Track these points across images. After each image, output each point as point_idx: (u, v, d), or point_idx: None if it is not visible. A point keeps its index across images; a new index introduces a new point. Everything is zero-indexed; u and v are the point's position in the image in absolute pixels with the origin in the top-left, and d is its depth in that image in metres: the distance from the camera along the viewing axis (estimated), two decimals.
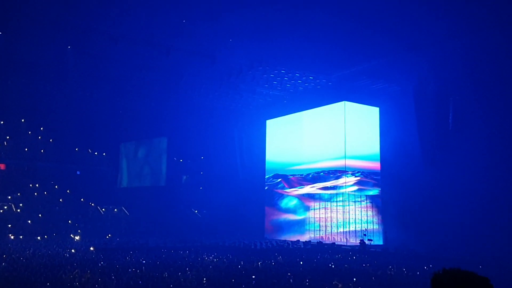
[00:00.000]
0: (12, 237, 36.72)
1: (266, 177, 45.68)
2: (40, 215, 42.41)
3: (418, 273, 20.19)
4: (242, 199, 44.89)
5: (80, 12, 28.80)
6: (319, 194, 39.56)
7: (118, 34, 30.75)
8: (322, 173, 39.50)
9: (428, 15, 26.70)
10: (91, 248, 29.02)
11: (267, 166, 45.73)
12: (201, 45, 32.61)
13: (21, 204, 42.69)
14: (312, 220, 39.71)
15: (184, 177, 52.63)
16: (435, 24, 27.48)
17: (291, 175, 43.37)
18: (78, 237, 38.22)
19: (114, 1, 27.58)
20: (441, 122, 31.67)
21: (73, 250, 27.84)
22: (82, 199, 46.65)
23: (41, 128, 46.98)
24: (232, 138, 48.54)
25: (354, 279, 17.51)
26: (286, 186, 43.69)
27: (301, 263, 23.85)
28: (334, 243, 35.30)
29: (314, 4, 27.10)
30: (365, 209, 37.25)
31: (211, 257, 25.53)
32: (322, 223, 38.56)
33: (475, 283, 2.29)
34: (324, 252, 30.20)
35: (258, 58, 33.77)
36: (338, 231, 37.10)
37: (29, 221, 41.23)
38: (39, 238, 35.95)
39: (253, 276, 18.34)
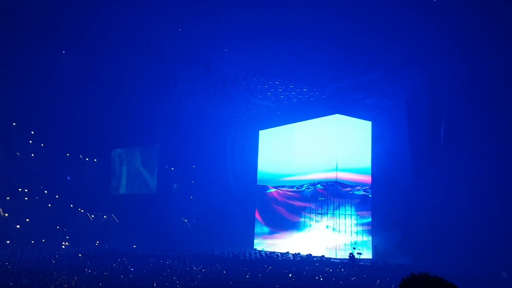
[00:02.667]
0: None
1: None
2: (27, 219, 42.03)
3: None
4: (232, 209, 44.71)
5: (75, 17, 28.78)
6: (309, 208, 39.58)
7: (113, 40, 30.75)
8: (319, 184, 39.18)
9: (421, 31, 26.91)
10: (79, 255, 28.79)
11: (258, 176, 45.66)
12: (196, 53, 32.67)
13: (6, 214, 42.20)
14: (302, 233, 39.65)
15: (175, 185, 52.39)
16: (427, 39, 27.71)
17: (274, 188, 43.45)
18: (66, 243, 37.91)
19: (109, 7, 27.56)
20: (433, 137, 31.79)
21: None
22: (71, 205, 46.29)
23: (32, 132, 46.68)
24: (225, 148, 48.42)
25: None
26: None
27: (290, 275, 23.74)
28: (323, 256, 35.17)
29: (310, 17, 27.24)
30: (355, 222, 37.21)
31: (199, 267, 25.37)
32: (312, 236, 38.46)
33: None
34: (313, 264, 30.12)
35: (253, 68, 33.82)
36: (327, 243, 36.99)
37: (18, 226, 40.85)
38: (30, 242, 35.61)
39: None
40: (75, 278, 17.70)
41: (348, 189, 37.93)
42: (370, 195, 38.01)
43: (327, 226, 37.38)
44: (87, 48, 31.85)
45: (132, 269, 22.81)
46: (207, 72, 33.20)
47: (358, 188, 38.22)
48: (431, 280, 2.30)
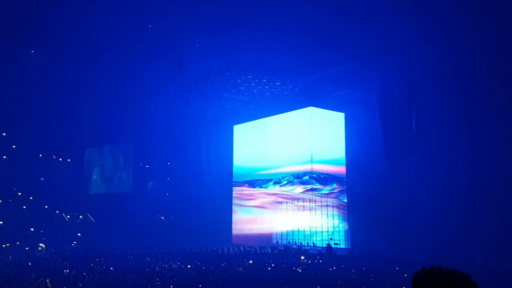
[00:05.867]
0: None
1: None
2: (1, 222, 41.36)
3: (383, 274, 20.58)
4: (209, 205, 44.77)
5: (43, 15, 28.30)
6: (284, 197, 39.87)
7: (83, 37, 30.35)
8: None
9: (391, 23, 27.28)
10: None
11: (234, 171, 45.78)
12: (168, 49, 32.48)
13: None
14: (278, 224, 39.94)
15: (151, 183, 52.14)
16: (398, 31, 28.10)
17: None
18: (43, 245, 37.44)
19: (78, 4, 27.21)
20: (405, 126, 32.32)
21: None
22: (46, 206, 45.68)
23: (4, 134, 45.84)
24: (199, 144, 48.36)
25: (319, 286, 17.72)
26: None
27: (269, 268, 23.97)
28: (301, 247, 35.57)
29: (280, 10, 27.36)
30: (331, 213, 37.66)
31: (178, 263, 25.41)
32: (289, 228, 38.78)
33: (457, 280, 2.28)
34: (291, 256, 30.43)
35: (225, 63, 33.81)
36: (305, 235, 37.38)
37: None
38: (4, 246, 35.04)
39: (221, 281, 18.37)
40: (48, 280, 17.50)
41: (323, 187, 38.31)
42: (345, 185, 38.47)
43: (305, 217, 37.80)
44: (56, 46, 31.34)
45: (111, 269, 22.72)
46: (180, 69, 33.08)
47: (334, 190, 38.68)
48: (446, 273, 2.31)
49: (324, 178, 38.66)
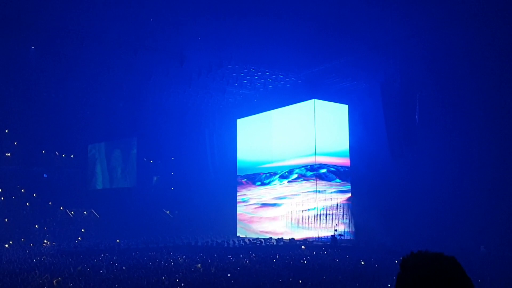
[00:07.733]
0: None
1: None
2: (6, 219, 41.41)
3: (385, 263, 20.49)
4: (214, 199, 44.78)
5: (44, 10, 28.17)
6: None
7: (84, 33, 30.23)
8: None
9: (393, 14, 27.10)
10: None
11: (238, 165, 45.74)
12: (169, 44, 32.34)
13: None
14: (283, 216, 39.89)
15: (155, 178, 52.16)
16: (400, 23, 27.94)
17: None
18: (48, 241, 37.50)
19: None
20: (408, 118, 32.19)
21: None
22: (50, 203, 45.70)
23: (6, 131, 45.83)
24: (203, 138, 48.31)
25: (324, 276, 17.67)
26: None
27: (274, 260, 23.96)
28: (306, 239, 35.56)
29: (282, 2, 27.22)
30: (336, 205, 37.57)
31: (183, 257, 25.40)
32: (294, 219, 38.75)
33: (442, 262, 2.31)
34: (296, 248, 30.45)
35: (228, 56, 33.67)
36: (309, 226, 37.33)
37: None
38: (6, 246, 35.06)
39: (229, 274, 18.35)
40: (59, 278, 17.47)
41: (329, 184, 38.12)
42: (349, 177, 38.34)
43: (309, 209, 37.73)
44: (57, 42, 31.24)
45: (116, 264, 22.72)
46: (181, 63, 32.95)
47: (337, 170, 38.53)
48: (431, 256, 2.37)
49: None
